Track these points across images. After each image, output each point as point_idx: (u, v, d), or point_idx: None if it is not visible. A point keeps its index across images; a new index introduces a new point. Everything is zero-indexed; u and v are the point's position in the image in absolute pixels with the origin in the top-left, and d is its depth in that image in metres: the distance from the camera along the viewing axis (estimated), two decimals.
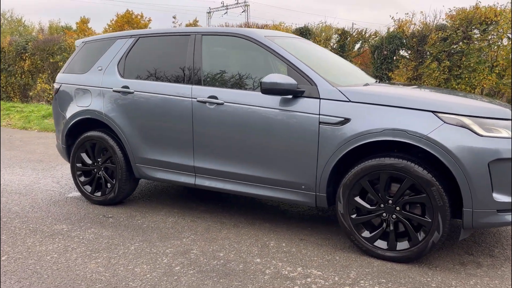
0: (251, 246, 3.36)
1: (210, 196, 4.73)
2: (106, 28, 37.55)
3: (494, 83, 8.45)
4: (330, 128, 3.18)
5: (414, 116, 2.97)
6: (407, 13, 9.69)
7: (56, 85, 4.69)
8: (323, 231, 3.70)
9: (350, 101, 3.16)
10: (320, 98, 3.25)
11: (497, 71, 8.44)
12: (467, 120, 2.89)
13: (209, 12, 54.90)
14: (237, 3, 52.57)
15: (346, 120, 3.13)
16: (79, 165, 4.45)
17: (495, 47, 8.59)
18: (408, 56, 9.72)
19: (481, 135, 2.84)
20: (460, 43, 8.74)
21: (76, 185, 4.51)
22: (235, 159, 3.61)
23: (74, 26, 44.17)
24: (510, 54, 8.09)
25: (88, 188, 4.44)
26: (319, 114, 3.22)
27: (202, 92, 3.72)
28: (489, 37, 8.64)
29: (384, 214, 3.10)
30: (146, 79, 4.08)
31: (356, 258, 3.16)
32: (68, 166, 6.14)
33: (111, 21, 40.56)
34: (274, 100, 3.41)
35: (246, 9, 51.43)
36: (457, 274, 2.93)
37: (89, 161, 4.40)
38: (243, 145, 3.55)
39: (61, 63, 13.69)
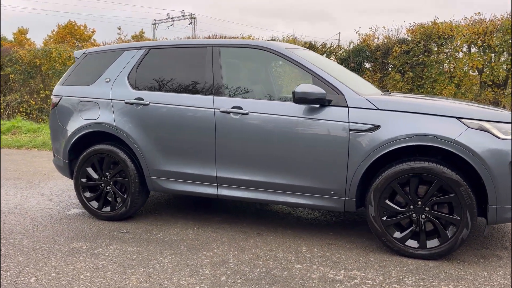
0: (284, 253, 3.41)
1: (218, 206, 4.73)
2: (46, 39, 35.96)
3: (453, 92, 9.11)
4: (360, 135, 3.34)
5: (440, 122, 3.20)
6: (371, 28, 10.24)
7: (54, 98, 4.50)
8: (345, 234, 3.83)
9: (378, 109, 3.34)
10: (348, 107, 3.40)
11: (456, 82, 9.12)
12: (487, 125, 3.16)
13: (154, 24, 54.28)
14: (183, 16, 52.48)
15: (376, 127, 3.30)
16: (84, 180, 4.29)
17: (452, 59, 9.28)
18: (371, 68, 10.23)
19: (501, 138, 3.12)
20: (421, 55, 9.36)
21: (81, 201, 4.32)
22: (261, 168, 3.66)
23: (9, 37, 41.76)
24: (510, 65, 8.69)
25: (95, 204, 4.27)
26: (349, 122, 3.36)
27: (225, 102, 3.75)
28: (446, 50, 9.34)
29: (414, 215, 3.29)
30: (161, 91, 4.04)
31: (388, 258, 3.32)
32: (53, 182, 5.88)
33: (52, 32, 38.91)
34: (300, 109, 3.52)
35: (193, 21, 51.46)
36: (484, 267, 3.17)
37: (95, 176, 4.25)
38: (270, 153, 3.62)
39: (12, 76, 12.97)
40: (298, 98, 3.38)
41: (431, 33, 9.26)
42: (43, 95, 12.90)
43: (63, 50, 12.90)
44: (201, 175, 3.87)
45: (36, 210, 4.61)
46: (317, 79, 3.54)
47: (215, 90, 3.83)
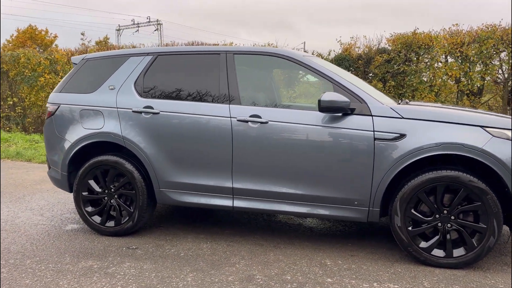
0: (310, 266, 3.31)
1: (222, 217, 4.57)
2: (5, 44, 34.39)
3: (433, 100, 9.34)
4: (385, 144, 3.30)
5: (466, 131, 3.21)
6: (352, 37, 10.37)
7: (51, 107, 4.22)
8: (364, 245, 3.77)
9: (403, 117, 3.32)
10: (372, 116, 3.36)
11: (436, 90, 9.36)
12: (509, 133, 3.19)
13: (118, 30, 53.20)
14: (149, 22, 51.72)
15: (402, 136, 3.27)
16: (85, 193, 4.03)
17: (432, 69, 9.52)
18: None
19: None
20: (402, 65, 9.56)
21: (82, 216, 4.06)
22: (281, 178, 3.56)
23: None
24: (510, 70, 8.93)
25: (97, 219, 4.02)
26: (374, 131, 3.32)
27: (242, 111, 3.63)
28: (426, 60, 9.58)
29: (439, 224, 3.27)
30: (171, 99, 3.86)
31: (415, 268, 3.28)
32: (39, 195, 5.54)
33: (11, 36, 37.30)
34: (322, 118, 3.45)
35: (159, 28, 50.80)
36: (509, 274, 3.19)
37: (98, 189, 4.00)
38: (290, 163, 3.52)
39: None
40: (324, 107, 3.31)
41: (411, 43, 9.47)
42: (11, 102, 12.26)
43: (33, 55, 12.33)
44: (216, 186, 3.72)
45: (29, 227, 4.29)
46: (339, 87, 3.48)
47: (230, 99, 3.70)
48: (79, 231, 4.15)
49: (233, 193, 3.69)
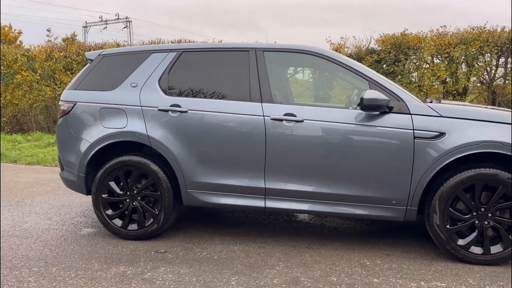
0: (352, 267, 3.27)
1: (239, 218, 4.48)
2: None
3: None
4: (425, 142, 3.30)
5: (502, 129, 3.25)
6: (342, 37, 10.45)
7: (65, 105, 3.99)
8: (395, 244, 3.77)
9: (441, 116, 3.33)
10: (411, 114, 3.35)
11: (424, 90, 9.56)
12: None
13: (85, 27, 51.70)
14: (117, 19, 50.50)
15: (441, 134, 3.28)
16: (105, 195, 3.84)
17: (420, 69, 9.72)
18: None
19: None
20: (392, 65, 9.71)
21: (102, 220, 3.86)
22: (317, 178, 3.50)
23: None
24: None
25: (118, 222, 3.84)
26: (413, 129, 3.31)
27: (276, 109, 3.55)
28: (415, 60, 9.77)
29: (477, 221, 3.30)
30: (198, 97, 3.73)
31: (453, 266, 3.30)
32: (39, 198, 5.29)
33: None
34: (358, 116, 3.42)
35: (128, 25, 49.70)
36: None
37: (119, 191, 3.82)
38: (326, 163, 3.47)
39: None
40: (367, 105, 3.27)
41: (401, 44, 9.63)
42: None
43: (7, 52, 11.76)
44: (247, 187, 3.62)
45: (41, 232, 4.05)
46: (376, 85, 3.46)
47: (262, 97, 3.60)
48: (96, 235, 3.95)
49: (265, 193, 3.60)
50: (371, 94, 3.26)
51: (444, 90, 9.83)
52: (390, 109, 3.38)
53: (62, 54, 11.56)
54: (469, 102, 9.63)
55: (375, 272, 3.17)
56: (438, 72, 9.46)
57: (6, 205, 4.94)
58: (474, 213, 3.30)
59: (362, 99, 3.27)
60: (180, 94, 3.77)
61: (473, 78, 9.66)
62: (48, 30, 39.19)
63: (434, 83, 9.65)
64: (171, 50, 3.88)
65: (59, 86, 11.51)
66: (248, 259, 3.41)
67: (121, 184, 3.82)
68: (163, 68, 3.83)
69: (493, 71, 9.78)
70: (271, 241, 3.81)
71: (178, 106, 3.68)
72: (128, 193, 3.81)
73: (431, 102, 3.62)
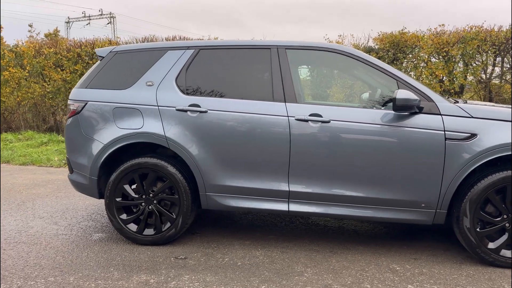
0: (383, 273, 3.17)
1: (254, 221, 4.35)
2: None
3: None
4: (457, 144, 3.21)
5: None
6: (340, 35, 10.37)
7: (76, 104, 3.80)
8: (420, 247, 3.68)
9: (472, 117, 3.25)
10: (441, 115, 3.27)
11: None
12: None
13: (68, 22, 50.73)
14: (101, 15, 49.67)
15: (473, 135, 3.20)
16: (119, 199, 3.66)
17: (418, 68, 9.72)
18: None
19: None
20: (391, 63, 9.68)
21: (116, 224, 3.68)
22: (342, 181, 3.39)
23: None
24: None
25: (133, 227, 3.67)
26: (444, 131, 3.23)
27: (300, 110, 3.42)
28: (413, 59, 9.76)
29: (507, 224, 3.24)
30: (218, 97, 3.58)
31: (485, 270, 3.23)
32: (40, 201, 5.08)
33: None
34: (387, 116, 3.32)
35: (112, 21, 48.92)
36: None
37: (134, 194, 3.65)
38: (354, 165, 3.36)
39: None
40: (400, 105, 3.17)
41: (399, 42, 9.61)
42: None
43: None
44: (270, 190, 3.49)
45: (50, 237, 3.85)
46: (405, 85, 3.36)
47: (285, 96, 3.47)
48: (109, 241, 3.77)
49: (289, 196, 3.48)
50: (404, 94, 3.16)
51: (441, 89, 9.85)
52: (420, 110, 3.29)
53: (52, 50, 11.21)
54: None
55: (407, 278, 3.08)
56: (436, 71, 9.46)
57: (6, 209, 4.71)
58: (505, 216, 3.23)
59: (395, 99, 3.17)
60: (198, 93, 3.61)
61: (470, 77, 9.69)
62: (30, 26, 38.12)
63: (431, 82, 9.66)
64: (188, 48, 3.72)
65: (48, 83, 11.18)
66: (274, 265, 3.28)
67: (136, 187, 3.65)
68: (180, 66, 3.67)
69: (489, 70, 9.83)
70: (293, 246, 3.69)
71: (198, 106, 3.53)
72: (144, 196, 3.64)
73: (456, 102, 3.55)
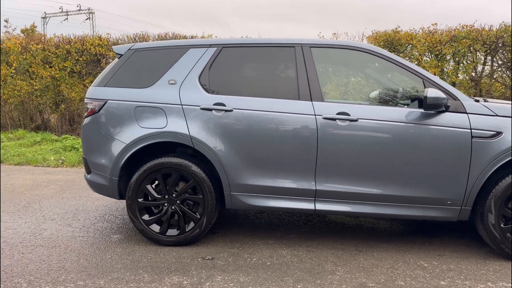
0: (413, 270, 3.20)
1: (271, 219, 4.34)
2: None
3: None
4: (483, 142, 3.27)
5: None
6: (334, 33, 10.42)
7: (94, 103, 3.70)
8: (442, 243, 3.73)
9: (497, 115, 3.31)
10: (467, 113, 3.32)
11: None
12: None
13: (44, 18, 49.50)
14: (79, 10, 48.64)
15: (498, 134, 3.26)
16: (141, 200, 3.60)
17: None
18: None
19: None
20: None
21: (138, 226, 3.61)
22: (369, 179, 3.41)
23: None
24: None
25: (156, 228, 3.61)
26: (471, 129, 3.28)
27: (328, 108, 3.42)
28: (406, 58, 9.89)
29: None
30: (243, 95, 3.54)
31: (509, 264, 3.30)
32: (47, 201, 4.97)
33: None
34: (414, 115, 3.35)
35: (90, 16, 47.99)
36: None
37: (156, 194, 3.59)
38: (381, 163, 3.38)
39: None
40: (430, 104, 3.20)
41: (393, 41, 9.72)
42: None
43: None
44: (297, 189, 3.48)
45: (67, 240, 3.75)
46: (431, 84, 3.40)
47: (312, 95, 3.47)
48: (129, 242, 3.70)
49: (316, 195, 3.48)
50: (433, 93, 3.19)
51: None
52: (446, 108, 3.33)
53: (40, 46, 10.91)
54: None
55: (437, 274, 3.12)
56: (428, 69, 9.61)
57: (14, 211, 4.57)
58: None
59: (425, 98, 3.20)
60: (223, 92, 3.57)
61: (462, 75, 9.88)
62: (6, 21, 37.11)
63: None
64: (210, 46, 3.67)
65: (35, 80, 10.89)
66: (303, 265, 3.28)
67: (159, 187, 3.59)
68: (203, 64, 3.61)
69: (479, 68, 10.04)
70: (317, 244, 3.70)
71: (223, 105, 3.49)
72: (167, 196, 3.58)
73: (477, 101, 3.61)
